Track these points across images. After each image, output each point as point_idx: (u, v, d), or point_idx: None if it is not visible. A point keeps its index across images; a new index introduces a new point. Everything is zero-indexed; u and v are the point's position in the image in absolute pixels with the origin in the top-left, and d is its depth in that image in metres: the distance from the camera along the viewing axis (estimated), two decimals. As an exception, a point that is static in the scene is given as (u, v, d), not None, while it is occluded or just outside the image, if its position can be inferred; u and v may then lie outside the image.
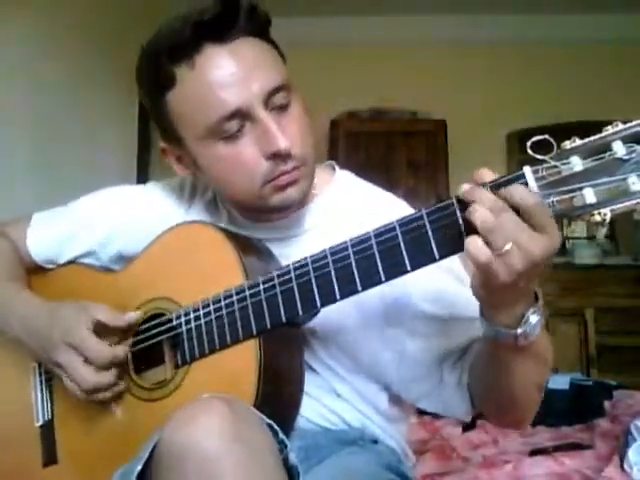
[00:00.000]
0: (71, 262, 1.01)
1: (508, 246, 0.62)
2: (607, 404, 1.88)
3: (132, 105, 2.97)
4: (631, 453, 1.23)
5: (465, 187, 0.66)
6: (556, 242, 0.64)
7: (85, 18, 2.42)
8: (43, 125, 2.12)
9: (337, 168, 0.99)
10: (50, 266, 1.03)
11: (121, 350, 0.85)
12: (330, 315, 0.80)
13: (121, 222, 0.99)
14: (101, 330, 0.85)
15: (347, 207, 0.91)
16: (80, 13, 2.38)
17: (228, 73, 0.80)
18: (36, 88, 2.07)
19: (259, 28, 0.84)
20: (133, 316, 0.86)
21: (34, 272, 1.03)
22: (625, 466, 1.23)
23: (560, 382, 1.87)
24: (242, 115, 0.80)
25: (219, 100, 0.79)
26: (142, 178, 3.08)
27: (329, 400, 0.88)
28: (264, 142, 0.81)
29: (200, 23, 0.79)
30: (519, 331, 0.69)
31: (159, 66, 0.82)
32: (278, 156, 0.81)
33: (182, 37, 0.79)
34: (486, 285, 0.66)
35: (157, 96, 0.84)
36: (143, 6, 2.98)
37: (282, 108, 0.83)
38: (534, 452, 1.47)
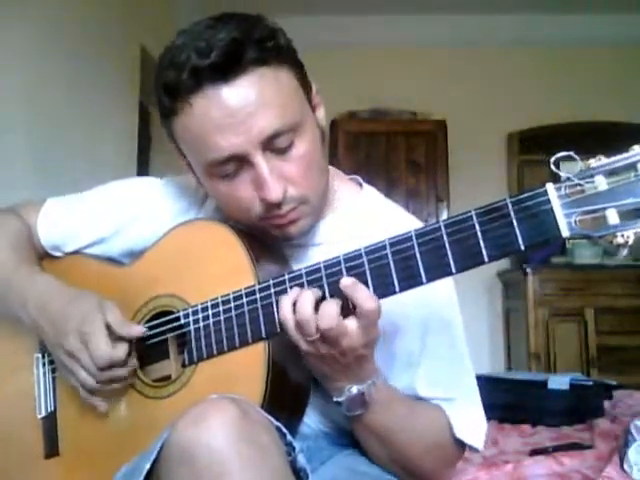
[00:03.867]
0: (79, 252, 1.01)
1: (317, 335, 0.71)
2: (607, 404, 1.88)
3: (133, 103, 2.97)
4: (631, 453, 1.23)
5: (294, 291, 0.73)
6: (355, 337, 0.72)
7: (85, 16, 2.42)
8: (43, 123, 2.12)
9: (364, 184, 0.98)
10: (57, 253, 1.02)
11: (121, 351, 0.82)
12: None
13: (134, 214, 0.98)
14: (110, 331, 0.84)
15: (368, 224, 0.89)
16: (80, 11, 2.38)
17: (226, 115, 0.75)
18: (36, 86, 2.06)
19: (273, 56, 0.77)
20: (138, 330, 0.84)
21: (42, 259, 1.02)
22: (625, 466, 1.23)
23: (560, 382, 1.86)
24: (238, 159, 0.78)
25: (215, 144, 0.76)
26: (142, 176, 3.07)
27: (327, 407, 0.88)
28: (258, 187, 0.79)
29: (199, 69, 0.74)
30: (335, 399, 0.78)
31: (160, 97, 0.79)
32: (269, 204, 0.79)
33: (179, 79, 0.75)
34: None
35: (165, 116, 0.82)
36: (144, 4, 2.99)
37: (283, 150, 0.79)
38: (534, 452, 1.47)
